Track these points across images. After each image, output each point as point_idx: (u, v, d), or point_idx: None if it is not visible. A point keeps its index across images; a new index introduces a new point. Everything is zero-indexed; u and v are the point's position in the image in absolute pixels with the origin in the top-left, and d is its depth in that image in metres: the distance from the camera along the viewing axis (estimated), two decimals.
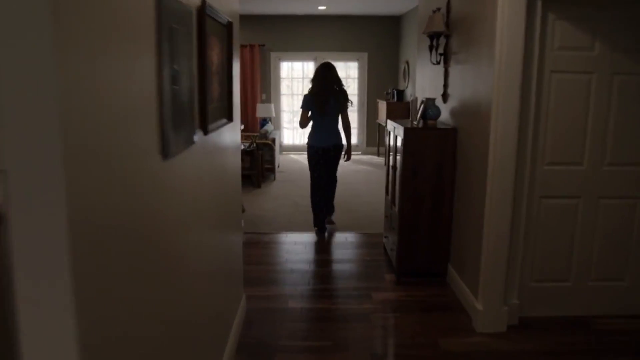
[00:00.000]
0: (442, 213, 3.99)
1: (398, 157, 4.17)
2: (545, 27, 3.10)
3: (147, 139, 1.43)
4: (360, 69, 10.75)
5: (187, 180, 1.86)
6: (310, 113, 5.02)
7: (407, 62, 9.68)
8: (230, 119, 2.73)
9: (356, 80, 10.83)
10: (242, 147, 7.42)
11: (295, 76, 10.83)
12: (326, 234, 5.27)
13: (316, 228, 5.28)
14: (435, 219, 4.01)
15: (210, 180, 2.32)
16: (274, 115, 10.13)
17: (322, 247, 5.04)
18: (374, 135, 10.81)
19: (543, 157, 3.26)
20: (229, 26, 2.61)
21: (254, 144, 7.50)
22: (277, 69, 10.72)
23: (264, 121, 9.96)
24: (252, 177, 7.58)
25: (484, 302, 3.29)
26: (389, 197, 4.58)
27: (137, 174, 1.36)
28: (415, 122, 4.19)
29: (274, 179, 8.03)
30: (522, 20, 2.99)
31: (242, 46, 10.33)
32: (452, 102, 4.03)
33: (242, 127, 6.10)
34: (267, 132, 8.02)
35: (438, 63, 4.22)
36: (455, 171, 3.91)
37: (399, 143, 4.16)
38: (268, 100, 10.74)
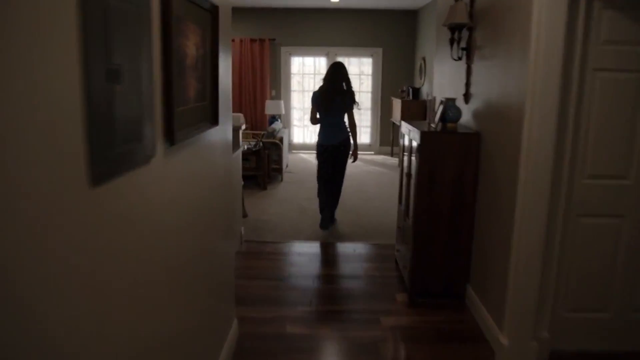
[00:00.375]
0: (462, 228, 3.55)
1: (413, 164, 3.73)
2: (590, 17, 2.64)
3: (67, 160, 1.02)
4: (374, 65, 10.29)
5: (142, 204, 1.45)
6: (317, 111, 5.12)
7: (424, 59, 9.21)
8: (214, 121, 2.32)
9: (370, 77, 10.38)
10: (246, 147, 7.03)
11: (306, 72, 10.41)
12: (329, 229, 5.26)
13: (321, 223, 5.24)
14: (454, 234, 3.57)
15: (184, 196, 1.91)
16: (283, 112, 9.72)
17: (328, 260, 4.62)
18: (388, 135, 10.36)
19: (583, 169, 2.80)
20: (213, 11, 2.19)
21: (260, 143, 7.10)
22: (288, 64, 10.31)
23: (273, 119, 9.56)
24: (258, 178, 7.18)
25: (510, 336, 2.85)
26: (403, 206, 4.15)
27: (50, 208, 0.95)
28: (433, 125, 3.74)
29: (281, 180, 7.62)
30: (563, 8, 2.53)
31: (251, 40, 9.94)
32: (475, 103, 3.58)
33: (244, 127, 5.69)
34: (274, 130, 7.61)
35: (459, 59, 3.77)
36: (477, 181, 3.47)
37: (414, 148, 3.73)
38: (278, 96, 10.34)
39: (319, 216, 5.37)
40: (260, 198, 6.61)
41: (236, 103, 10.22)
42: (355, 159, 5.41)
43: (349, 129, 5.18)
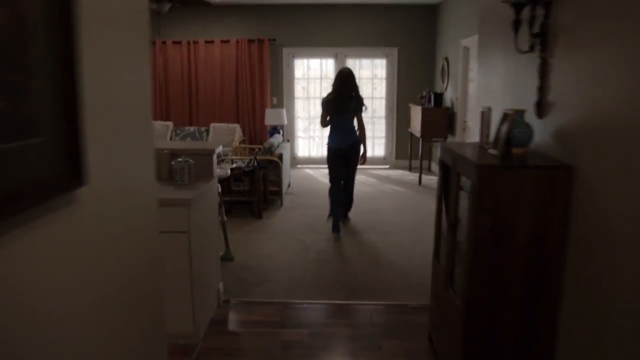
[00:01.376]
0: (543, 311, 2.28)
1: (463, 211, 2.47)
2: None
3: None
4: (389, 67, 9.04)
5: None
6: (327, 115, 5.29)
7: (447, 60, 7.94)
8: (69, 179, 1.07)
9: (384, 81, 9.12)
10: (233, 166, 5.81)
11: (312, 76, 9.18)
12: (341, 232, 5.28)
13: (333, 227, 5.29)
14: (530, 320, 2.30)
15: None
16: (285, 122, 8.50)
17: (336, 338, 3.35)
18: (405, 146, 9.09)
19: None
20: None
21: (255, 162, 5.87)
22: (291, 67, 9.09)
23: (275, 130, 8.35)
24: (252, 204, 5.95)
25: None
26: (442, 268, 2.88)
27: None
28: (492, 151, 2.49)
29: (281, 205, 6.38)
30: None
31: (249, 41, 8.73)
32: (560, 117, 2.32)
33: (221, 151, 4.45)
34: (272, 146, 6.38)
35: (530, 50, 2.50)
36: (568, 243, 2.20)
37: (464, 186, 2.48)
38: (280, 104, 9.12)
39: (322, 255, 4.31)
40: (252, 231, 5.37)
41: (233, 113, 9.02)
42: (364, 161, 5.53)
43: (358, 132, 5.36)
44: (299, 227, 5.48)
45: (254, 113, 9.01)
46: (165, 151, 3.29)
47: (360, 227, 5.51)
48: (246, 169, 5.75)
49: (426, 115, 7.50)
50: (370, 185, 7.66)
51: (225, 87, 8.96)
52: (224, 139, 8.34)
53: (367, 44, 8.90)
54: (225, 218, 4.37)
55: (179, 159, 3.15)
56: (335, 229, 5.22)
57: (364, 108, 5.31)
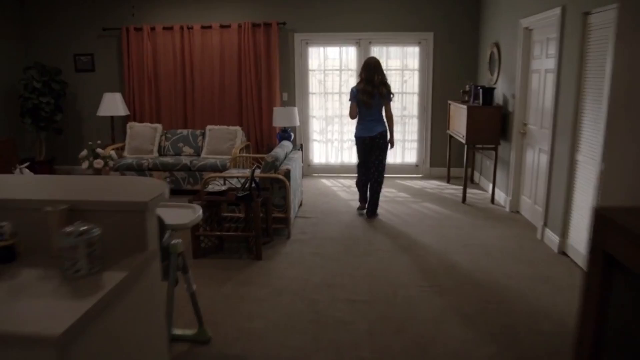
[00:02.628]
0: None
1: None
2: None
3: None
4: (422, 56, 7.46)
5: None
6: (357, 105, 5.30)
7: (497, 46, 6.35)
8: None
9: (416, 73, 7.54)
10: (224, 188, 4.35)
11: (329, 67, 7.63)
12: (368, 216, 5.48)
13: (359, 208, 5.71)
14: None
15: None
16: (298, 124, 7.01)
17: None
18: (441, 153, 7.53)
19: None
20: None
21: (254, 182, 4.38)
22: (304, 57, 7.56)
23: (285, 133, 6.87)
24: (249, 240, 4.49)
25: None
26: None
27: None
28: None
29: (288, 237, 4.90)
30: None
31: (254, 25, 7.24)
32: None
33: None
34: (276, 159, 4.87)
35: None
36: None
37: None
38: (291, 102, 7.61)
39: (341, 331, 2.79)
40: (245, 283, 3.90)
41: (235, 113, 7.55)
42: (392, 145, 5.52)
43: (386, 122, 5.38)
44: (310, 276, 4.00)
45: (260, 113, 7.52)
46: (60, 208, 1.81)
47: (396, 277, 4.00)
48: (239, 194, 4.27)
49: (473, 116, 5.92)
50: (402, 204, 6.13)
51: (226, 82, 7.49)
52: (222, 145, 6.87)
53: (396, 29, 7.33)
54: (194, 288, 2.91)
55: (69, 229, 1.65)
56: (362, 211, 5.67)
57: (392, 96, 5.36)
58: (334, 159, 7.82)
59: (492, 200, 6.17)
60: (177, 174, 6.56)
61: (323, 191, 6.81)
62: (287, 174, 4.84)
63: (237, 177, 5.01)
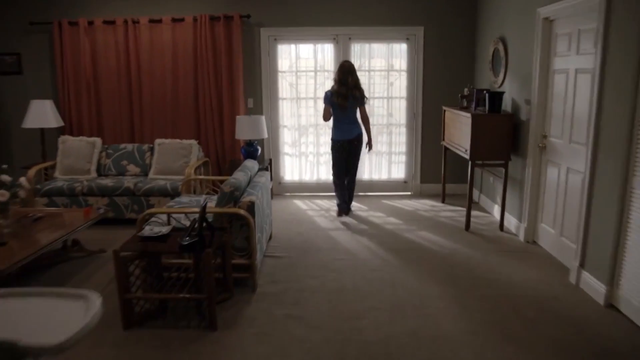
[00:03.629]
0: None
1: None
2: None
3: None
4: (411, 54, 6.39)
5: None
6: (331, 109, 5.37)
7: (503, 42, 5.32)
8: None
9: (404, 75, 6.47)
10: (164, 231, 3.21)
11: (302, 68, 6.50)
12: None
13: (338, 211, 5.67)
14: None
15: None
16: (265, 135, 5.87)
17: None
18: (434, 166, 6.49)
19: None
20: None
21: (205, 223, 3.21)
22: (273, 56, 6.42)
23: (250, 146, 5.75)
24: (202, 306, 3.32)
25: None
26: None
27: None
28: None
29: (253, 290, 3.74)
30: None
31: (212, 18, 6.07)
32: None
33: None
34: (234, 189, 3.68)
35: None
36: None
37: None
38: (257, 109, 6.46)
39: None
40: None
41: (190, 123, 6.37)
42: (370, 148, 5.64)
43: (362, 124, 5.46)
44: (285, 357, 2.85)
45: (220, 123, 6.34)
46: None
47: (401, 354, 2.89)
48: (184, 242, 3.09)
49: (479, 126, 4.88)
50: (394, 234, 5.04)
51: (180, 86, 6.29)
52: (174, 162, 5.67)
53: (380, 22, 6.26)
54: None
55: None
56: (342, 210, 5.63)
57: (366, 100, 5.42)
58: (308, 175, 6.68)
59: (501, 226, 5.13)
60: (119, 200, 5.33)
61: (297, 217, 5.66)
62: (251, 207, 3.68)
63: (186, 213, 3.82)
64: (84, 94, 6.29)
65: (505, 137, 4.91)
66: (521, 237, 4.84)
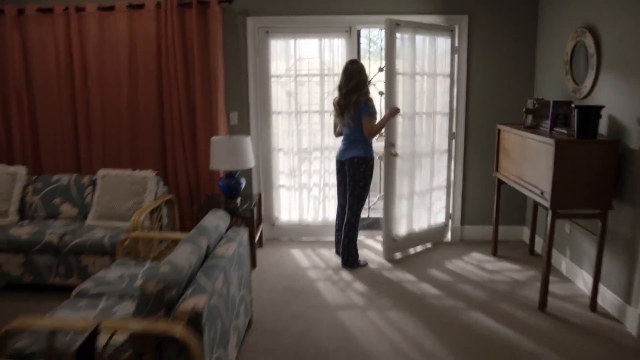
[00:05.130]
0: None
1: None
2: None
3: None
4: (454, 53, 4.71)
5: None
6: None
7: (593, 33, 3.64)
8: None
9: (446, 81, 4.76)
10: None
11: (303, 71, 4.84)
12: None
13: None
14: None
15: None
16: (252, 164, 4.27)
17: None
18: (481, 204, 4.82)
19: None
20: None
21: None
22: (264, 55, 4.78)
23: (231, 178, 4.19)
24: None
25: None
26: None
27: None
28: None
29: None
30: None
31: (182, 4, 4.48)
32: None
33: None
34: (164, 287, 2.03)
35: None
36: None
37: None
38: (243, 126, 4.84)
39: None
40: None
41: (154, 145, 4.79)
42: (392, 113, 4.18)
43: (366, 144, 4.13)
44: None
45: (193, 144, 4.72)
46: None
47: None
48: None
49: (567, 157, 3.21)
50: (432, 317, 3.40)
51: (140, 95, 4.69)
52: (120, 203, 4.06)
53: (412, 10, 4.61)
54: None
55: None
56: (343, 263, 4.27)
57: (369, 109, 4.02)
58: (312, 215, 5.01)
59: (593, 305, 3.44)
60: (38, 259, 3.73)
61: (293, 282, 4.00)
62: (196, 319, 2.03)
63: (76, 328, 2.18)
64: (13, 106, 4.72)
65: (604, 174, 3.24)
66: (631, 327, 3.15)
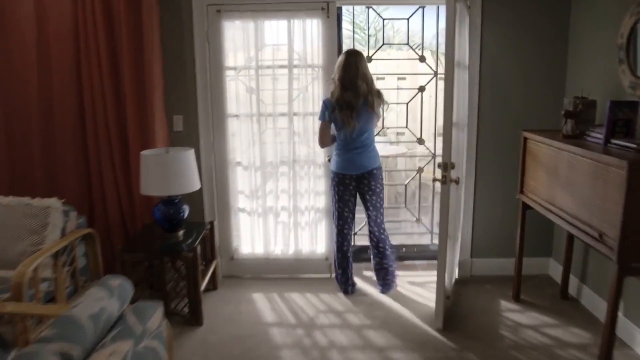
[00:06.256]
0: None
1: None
2: None
3: None
4: (466, 34, 3.61)
5: None
6: (332, 126, 3.47)
7: None
8: None
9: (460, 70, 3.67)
10: None
11: (266, 61, 3.72)
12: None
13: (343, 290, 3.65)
14: None
15: None
16: (197, 186, 3.18)
17: None
18: (496, 233, 3.76)
19: None
20: None
21: None
22: (217, 42, 3.67)
23: (169, 205, 3.08)
24: None
25: None
26: None
27: None
28: None
29: None
30: None
31: None
32: None
33: None
34: None
35: None
36: None
37: None
38: (190, 134, 3.74)
39: None
40: None
41: (71, 161, 3.68)
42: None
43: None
44: None
45: (124, 159, 3.63)
46: None
47: None
48: None
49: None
50: None
51: (55, 96, 3.59)
52: (12, 244, 2.97)
53: None
54: None
55: None
56: (346, 289, 3.62)
57: (385, 107, 3.63)
58: (280, 246, 3.92)
59: None
60: None
61: (249, 344, 2.94)
62: None
63: None
64: None
65: None
66: None
